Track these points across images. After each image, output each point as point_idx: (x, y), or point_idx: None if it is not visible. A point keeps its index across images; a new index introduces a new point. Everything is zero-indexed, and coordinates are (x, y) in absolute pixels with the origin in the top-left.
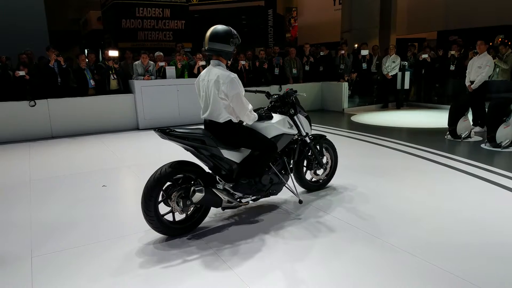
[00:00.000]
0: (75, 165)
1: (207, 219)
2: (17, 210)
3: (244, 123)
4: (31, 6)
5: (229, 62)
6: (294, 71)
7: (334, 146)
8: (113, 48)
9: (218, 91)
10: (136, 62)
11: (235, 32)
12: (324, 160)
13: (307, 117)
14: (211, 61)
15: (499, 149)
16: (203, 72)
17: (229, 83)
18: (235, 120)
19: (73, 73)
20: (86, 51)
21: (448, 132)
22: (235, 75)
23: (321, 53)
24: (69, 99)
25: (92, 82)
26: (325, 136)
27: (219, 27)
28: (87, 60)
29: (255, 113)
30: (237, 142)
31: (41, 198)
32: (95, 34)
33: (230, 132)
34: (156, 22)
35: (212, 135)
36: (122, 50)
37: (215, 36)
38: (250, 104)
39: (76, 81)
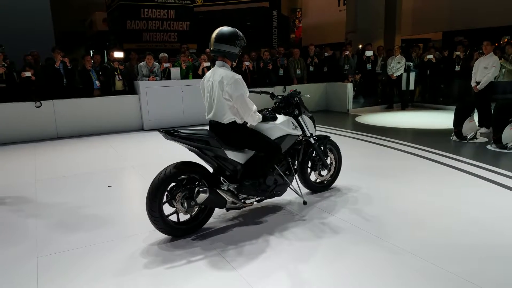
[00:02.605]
0: (80, 165)
1: (211, 219)
2: (22, 210)
3: (248, 124)
4: (36, 7)
5: (234, 63)
6: (298, 71)
7: (338, 147)
8: (118, 49)
9: (222, 92)
10: (141, 63)
11: (240, 33)
12: (328, 161)
13: (311, 118)
14: (216, 62)
15: (505, 150)
16: (208, 73)
17: (233, 84)
18: (239, 121)
19: (78, 74)
20: (91, 52)
21: (453, 133)
22: (240, 76)
23: (326, 54)
24: (74, 100)
25: (97, 83)
26: (329, 137)
27: (225, 28)
28: (92, 61)
29: (259, 114)
30: (241, 143)
31: (46, 199)
32: (101, 35)
33: (234, 133)
34: (161, 23)
35: (217, 136)
36: (127, 51)
37: (221, 37)
38: (254, 105)
39: (81, 82)
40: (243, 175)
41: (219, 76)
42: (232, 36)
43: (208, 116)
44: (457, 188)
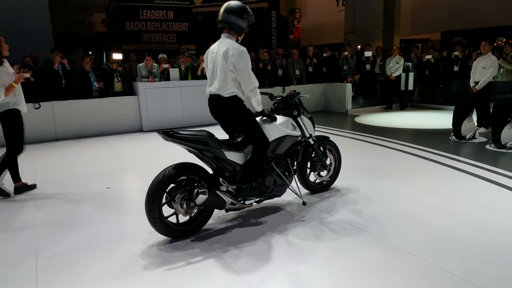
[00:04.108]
0: (80, 167)
1: (210, 221)
2: (21, 212)
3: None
4: (35, 9)
5: (239, 38)
6: (297, 72)
7: (337, 147)
8: (117, 51)
9: (226, 62)
10: (140, 64)
11: (250, 10)
12: (328, 162)
13: (310, 119)
14: (222, 35)
15: (504, 150)
16: (213, 45)
17: (239, 55)
18: (240, 96)
19: (77, 75)
20: (90, 53)
21: (452, 133)
22: (245, 48)
23: (324, 55)
24: (73, 101)
25: (96, 84)
26: (329, 137)
27: (235, 1)
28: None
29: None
30: (238, 122)
31: (45, 200)
32: (99, 37)
33: (234, 109)
34: (160, 24)
35: (216, 111)
36: (126, 52)
37: (231, 8)
38: (257, 82)
39: (79, 83)
40: (242, 176)
41: (225, 47)
42: (242, 10)
43: (209, 89)
44: (456, 188)
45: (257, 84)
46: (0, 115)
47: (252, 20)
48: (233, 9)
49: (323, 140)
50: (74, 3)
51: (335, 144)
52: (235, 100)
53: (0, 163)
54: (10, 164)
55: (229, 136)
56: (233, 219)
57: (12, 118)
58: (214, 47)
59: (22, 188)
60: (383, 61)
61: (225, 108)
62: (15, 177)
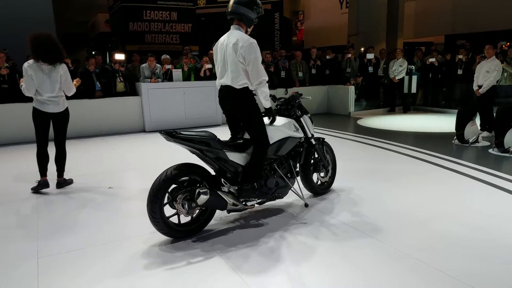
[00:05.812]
0: (82, 166)
1: (212, 222)
2: (24, 211)
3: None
4: (39, 9)
5: (248, 29)
6: (300, 74)
7: (332, 148)
8: (120, 52)
9: (236, 54)
10: (143, 65)
11: (259, 2)
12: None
13: (310, 118)
14: (232, 26)
15: (507, 155)
16: (222, 37)
17: (248, 47)
18: (251, 88)
19: (80, 75)
20: (93, 53)
21: (455, 137)
22: (255, 40)
23: (327, 57)
24: (76, 101)
25: (98, 85)
26: (324, 138)
27: None
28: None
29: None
30: (245, 112)
31: (47, 200)
32: (103, 37)
33: (245, 100)
34: (163, 25)
35: (225, 101)
36: (129, 52)
37: (241, 0)
38: (266, 76)
39: (82, 83)
40: (244, 177)
41: (234, 38)
42: (251, 1)
43: (220, 81)
44: (458, 191)
45: (266, 78)
46: (60, 114)
47: (261, 12)
48: (242, 1)
49: (322, 141)
50: (78, 3)
51: (330, 145)
52: (246, 92)
53: (57, 161)
54: (65, 155)
55: (231, 132)
56: (234, 220)
57: (68, 115)
58: (223, 39)
59: (44, 184)
60: (387, 64)
61: (236, 98)
62: (43, 171)
